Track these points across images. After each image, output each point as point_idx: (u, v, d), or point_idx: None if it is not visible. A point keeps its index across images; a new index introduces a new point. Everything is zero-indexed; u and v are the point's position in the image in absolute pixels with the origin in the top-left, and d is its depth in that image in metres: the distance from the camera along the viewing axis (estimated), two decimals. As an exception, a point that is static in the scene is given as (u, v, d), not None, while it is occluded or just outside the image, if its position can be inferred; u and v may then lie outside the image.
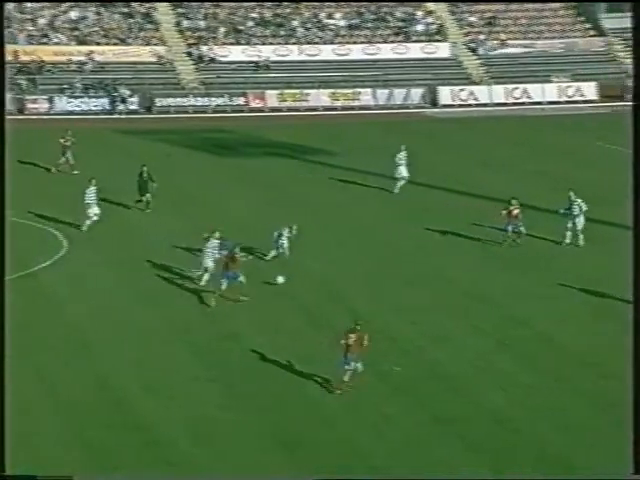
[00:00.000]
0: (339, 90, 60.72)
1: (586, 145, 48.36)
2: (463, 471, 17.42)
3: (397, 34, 65.46)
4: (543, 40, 66.52)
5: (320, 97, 60.34)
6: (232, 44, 63.53)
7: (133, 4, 64.22)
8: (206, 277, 26.58)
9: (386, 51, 64.23)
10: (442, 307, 25.64)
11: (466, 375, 21.47)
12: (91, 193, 32.11)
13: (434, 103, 61.13)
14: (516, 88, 61.93)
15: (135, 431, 18.89)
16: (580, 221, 30.90)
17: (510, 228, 31.02)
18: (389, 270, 28.65)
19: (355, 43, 64.42)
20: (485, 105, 61.02)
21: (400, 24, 66.03)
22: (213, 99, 59.71)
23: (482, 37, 65.98)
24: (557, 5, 68.82)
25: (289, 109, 59.77)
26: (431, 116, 58.56)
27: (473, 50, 65.81)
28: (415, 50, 64.58)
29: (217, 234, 26.84)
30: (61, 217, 33.00)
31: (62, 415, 19.45)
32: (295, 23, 65.29)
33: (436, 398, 20.32)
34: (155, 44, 62.65)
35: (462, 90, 61.76)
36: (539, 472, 17.39)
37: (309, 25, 65.29)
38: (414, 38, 65.22)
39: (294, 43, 64.05)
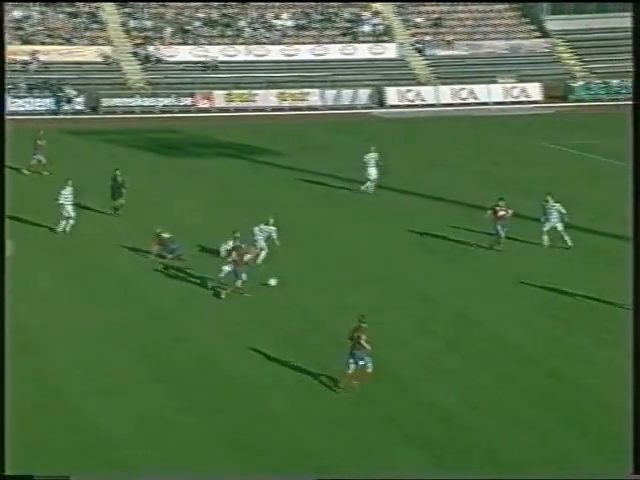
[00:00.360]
0: (287, 90, 60.72)
1: (531, 145, 48.83)
2: (412, 472, 17.45)
3: (344, 35, 65.61)
4: (489, 41, 67.08)
5: (268, 97, 60.28)
6: (179, 44, 63.23)
7: (78, 3, 63.61)
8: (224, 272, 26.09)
9: (334, 51, 64.35)
10: (395, 307, 25.68)
11: (417, 375, 21.52)
12: (67, 194, 31.61)
13: (381, 103, 61.37)
14: (462, 89, 62.38)
15: (83, 434, 18.70)
16: (553, 222, 30.10)
17: (500, 228, 30.02)
18: (341, 270, 28.65)
19: (303, 43, 64.44)
20: (432, 106, 61.39)
21: (347, 25, 66.19)
22: (160, 99, 59.37)
23: (428, 38, 66.35)
24: (502, 7, 69.48)
25: (237, 109, 59.64)
26: (378, 116, 58.78)
27: (420, 51, 66.15)
28: (362, 51, 64.75)
29: (238, 234, 26.49)
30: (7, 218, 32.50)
31: (8, 417, 19.14)
32: (242, 23, 65.13)
33: (386, 398, 20.34)
34: (101, 44, 62.14)
35: (409, 91, 62.08)
36: (489, 473, 17.49)
37: (256, 25, 65.17)
38: (361, 39, 65.41)
39: (241, 43, 63.91)
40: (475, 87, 62.39)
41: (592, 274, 27.95)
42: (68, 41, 61.52)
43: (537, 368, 21.88)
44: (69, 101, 57.21)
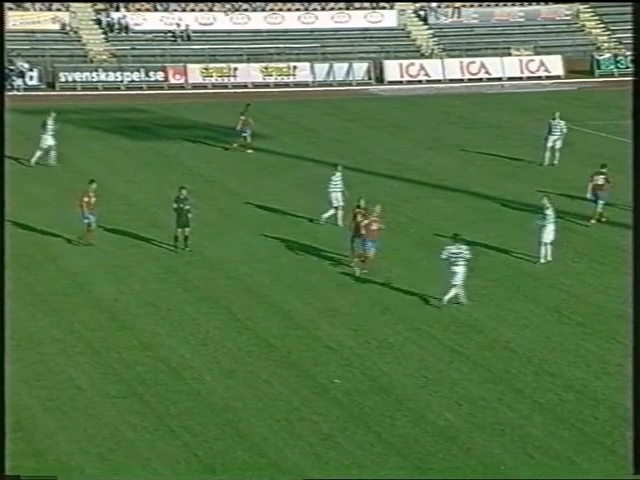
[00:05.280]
0: (272, 64, 60.86)
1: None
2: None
3: (337, 0, 65.69)
4: (501, 7, 67.25)
5: (250, 72, 60.42)
6: (147, 10, 63.29)
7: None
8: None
9: (325, 20, 64.48)
10: (383, 310, 25.84)
11: (413, 387, 21.70)
12: (337, 180, 32.10)
13: (380, 79, 61.53)
14: (472, 62, 62.58)
15: (36, 457, 18.83)
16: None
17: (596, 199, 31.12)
18: (321, 269, 28.81)
19: (289, 10, 64.53)
20: (437, 82, 61.57)
21: (340, -12, 66.36)
22: (126, 74, 59.48)
23: (433, 4, 66.48)
24: (518, -32, 69.67)
25: (214, 86, 59.77)
26: (376, 94, 58.94)
27: (423, 19, 66.28)
28: (358, 19, 64.89)
29: None
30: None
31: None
32: (220, -13, 65.28)
33: (379, 413, 20.51)
34: (57, 9, 62.16)
35: (411, 65, 62.24)
36: (487, 474, 17.80)
37: (237, -11, 65.33)
38: (356, 5, 65.50)
39: (219, 10, 63.99)
40: (486, 60, 62.59)
41: (614, 274, 28.09)
42: (20, 6, 61.50)
43: (549, 379, 22.05)
44: (21, 75, 57.26)
